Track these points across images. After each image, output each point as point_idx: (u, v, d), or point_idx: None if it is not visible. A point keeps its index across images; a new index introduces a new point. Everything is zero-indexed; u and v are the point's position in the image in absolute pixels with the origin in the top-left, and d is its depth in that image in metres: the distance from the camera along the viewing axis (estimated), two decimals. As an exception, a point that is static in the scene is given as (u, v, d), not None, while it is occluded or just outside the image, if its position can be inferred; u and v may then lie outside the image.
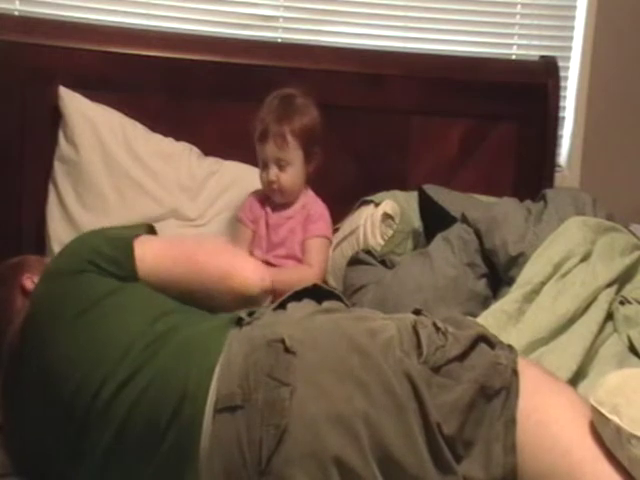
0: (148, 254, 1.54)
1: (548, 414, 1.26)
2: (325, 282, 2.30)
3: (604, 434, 1.19)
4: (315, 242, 2.22)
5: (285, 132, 2.18)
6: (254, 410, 1.23)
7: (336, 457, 1.20)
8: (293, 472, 1.20)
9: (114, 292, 1.45)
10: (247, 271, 1.60)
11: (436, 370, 1.28)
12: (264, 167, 2.21)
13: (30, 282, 1.54)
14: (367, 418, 1.22)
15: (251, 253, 2.23)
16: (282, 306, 1.46)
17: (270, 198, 2.27)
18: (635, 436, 1.14)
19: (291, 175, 2.20)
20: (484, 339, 1.34)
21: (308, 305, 1.46)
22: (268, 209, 2.26)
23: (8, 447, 1.46)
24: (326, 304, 1.48)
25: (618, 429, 1.16)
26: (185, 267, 1.57)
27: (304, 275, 2.09)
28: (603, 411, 1.18)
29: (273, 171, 2.19)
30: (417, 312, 1.43)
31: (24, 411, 1.43)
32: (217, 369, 1.28)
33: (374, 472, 1.20)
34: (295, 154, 2.20)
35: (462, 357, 1.30)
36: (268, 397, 1.23)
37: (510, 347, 1.37)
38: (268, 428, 1.21)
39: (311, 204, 2.26)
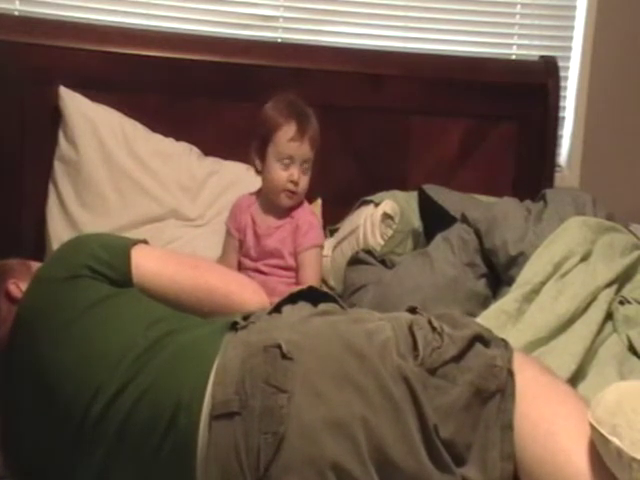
0: (146, 262, 1.54)
1: (558, 425, 1.25)
2: (325, 282, 2.31)
3: (604, 453, 1.17)
4: (309, 254, 2.17)
5: (316, 135, 2.16)
6: (251, 417, 1.22)
7: (334, 463, 1.19)
8: (291, 479, 1.19)
9: (108, 298, 1.44)
10: (246, 292, 1.60)
11: (432, 372, 1.28)
12: (285, 166, 2.14)
13: (15, 287, 1.51)
14: (365, 422, 1.22)
15: (239, 262, 2.22)
16: (277, 309, 1.46)
17: (255, 204, 2.22)
18: (636, 460, 1.12)
19: (308, 178, 2.18)
20: (480, 338, 1.34)
21: (304, 308, 1.46)
22: (256, 218, 2.21)
23: (5, 449, 1.45)
24: (322, 306, 1.47)
25: (619, 451, 1.14)
26: (185, 279, 1.57)
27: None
28: (603, 432, 1.16)
29: (299, 171, 2.15)
30: (412, 310, 1.42)
31: (18, 415, 1.42)
32: (212, 375, 1.27)
33: (372, 477, 1.20)
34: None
35: (458, 358, 1.30)
36: (265, 404, 1.23)
37: (505, 343, 1.36)
38: (266, 436, 1.21)
39: (299, 213, 2.21)
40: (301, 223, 2.19)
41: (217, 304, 1.56)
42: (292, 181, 2.15)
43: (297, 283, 2.11)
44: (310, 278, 2.12)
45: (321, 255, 2.26)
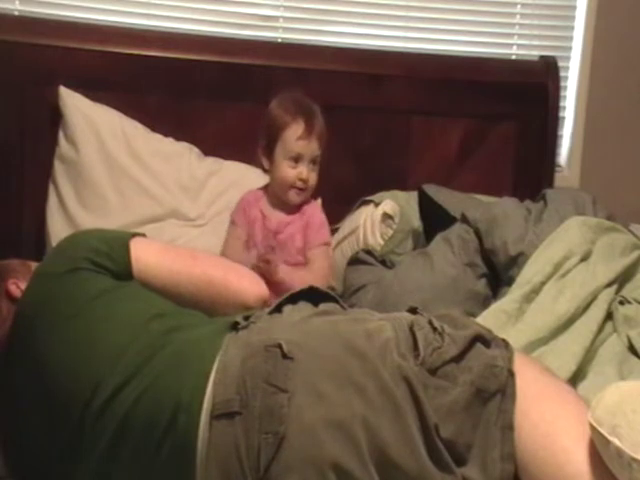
0: (146, 253, 1.54)
1: (558, 426, 1.25)
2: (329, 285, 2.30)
3: (604, 453, 1.18)
4: (319, 250, 2.19)
5: (323, 131, 2.18)
6: (252, 417, 1.22)
7: (334, 463, 1.19)
8: (292, 479, 1.19)
9: (108, 291, 1.44)
10: (245, 281, 1.61)
11: (433, 372, 1.28)
12: (294, 163, 2.16)
13: (15, 287, 1.51)
14: (366, 422, 1.22)
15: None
16: (278, 309, 1.46)
17: (264, 199, 2.23)
18: (637, 460, 1.12)
19: (316, 175, 2.19)
20: (480, 338, 1.34)
21: (304, 308, 1.46)
22: (265, 212, 2.22)
23: (5, 449, 1.45)
24: (322, 306, 1.47)
25: (619, 451, 1.14)
26: (184, 269, 1.57)
27: (315, 281, 2.03)
28: (603, 432, 1.16)
29: (308, 168, 2.16)
30: (413, 310, 1.42)
31: (18, 414, 1.42)
32: (212, 374, 1.28)
33: (373, 477, 1.20)
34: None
35: (459, 358, 1.30)
36: (266, 404, 1.23)
37: (506, 344, 1.36)
38: (266, 435, 1.21)
39: (310, 211, 2.23)
40: (312, 220, 2.21)
41: (216, 294, 1.57)
42: (301, 179, 2.16)
43: None
44: (322, 270, 2.15)
45: (330, 252, 2.27)
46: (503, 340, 1.38)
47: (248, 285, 1.61)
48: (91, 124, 2.43)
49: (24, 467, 1.43)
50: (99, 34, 2.58)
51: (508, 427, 1.25)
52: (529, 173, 2.81)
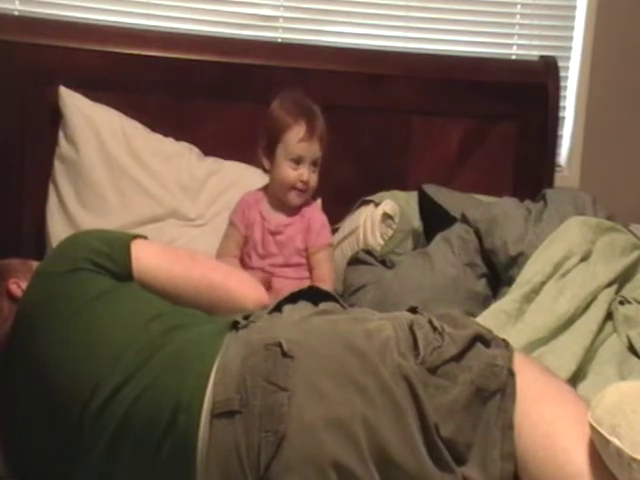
0: (146, 255, 1.54)
1: (558, 426, 1.25)
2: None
3: (603, 453, 1.18)
4: (323, 254, 2.20)
5: (324, 132, 2.18)
6: (252, 415, 1.23)
7: (335, 462, 1.19)
8: (292, 478, 1.20)
9: (108, 291, 1.44)
10: (245, 286, 1.61)
11: (433, 371, 1.28)
12: (295, 165, 2.16)
13: (16, 287, 1.51)
14: (366, 421, 1.22)
15: (242, 259, 2.22)
16: (278, 308, 1.46)
17: (263, 200, 2.23)
18: (636, 460, 1.12)
19: (317, 177, 2.20)
20: (480, 338, 1.34)
21: (304, 307, 1.46)
22: (264, 214, 2.22)
23: (5, 449, 1.45)
24: (322, 306, 1.47)
25: (619, 451, 1.14)
26: (184, 272, 1.57)
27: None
28: (603, 432, 1.16)
29: (309, 170, 2.17)
30: (413, 310, 1.42)
31: (18, 415, 1.41)
32: (213, 374, 1.28)
33: (373, 475, 1.20)
34: None
35: (458, 357, 1.30)
36: (266, 402, 1.23)
37: (506, 343, 1.36)
38: (267, 434, 1.21)
39: (310, 212, 2.23)
40: (313, 222, 2.21)
41: (216, 297, 1.57)
42: (302, 180, 2.16)
43: (314, 281, 2.12)
44: (325, 279, 2.15)
45: (333, 253, 2.27)
46: (503, 340, 1.38)
47: (248, 290, 1.61)
48: (91, 124, 2.43)
49: (24, 467, 1.43)
50: (99, 34, 2.58)
51: (508, 426, 1.25)
52: (529, 173, 2.81)
